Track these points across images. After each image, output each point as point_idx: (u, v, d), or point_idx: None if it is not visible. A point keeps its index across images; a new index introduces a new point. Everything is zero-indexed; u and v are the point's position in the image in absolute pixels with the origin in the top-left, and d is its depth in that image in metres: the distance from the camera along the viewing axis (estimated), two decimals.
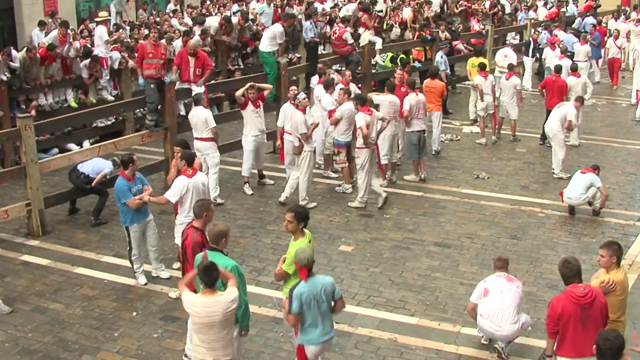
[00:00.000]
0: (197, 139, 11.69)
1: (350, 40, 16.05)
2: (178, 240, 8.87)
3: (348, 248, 10.40)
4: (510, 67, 16.00)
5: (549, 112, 14.95)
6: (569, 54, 18.26)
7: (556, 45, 19.18)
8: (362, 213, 11.65)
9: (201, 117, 11.59)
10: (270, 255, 10.14)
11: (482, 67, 15.82)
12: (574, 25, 23.89)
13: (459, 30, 21.23)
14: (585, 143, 15.34)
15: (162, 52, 12.97)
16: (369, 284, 9.36)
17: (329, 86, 12.97)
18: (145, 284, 9.27)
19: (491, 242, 10.62)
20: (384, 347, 7.92)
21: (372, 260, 10.05)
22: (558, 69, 15.27)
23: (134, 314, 8.64)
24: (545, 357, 6.45)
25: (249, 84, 12.42)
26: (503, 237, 10.86)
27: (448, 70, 17.48)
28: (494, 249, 10.29)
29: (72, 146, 14.07)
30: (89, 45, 14.98)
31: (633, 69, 19.36)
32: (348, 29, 16.54)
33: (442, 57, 17.53)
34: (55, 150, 13.82)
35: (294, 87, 12.58)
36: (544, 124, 15.21)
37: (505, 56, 17.80)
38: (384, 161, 12.57)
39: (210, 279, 6.08)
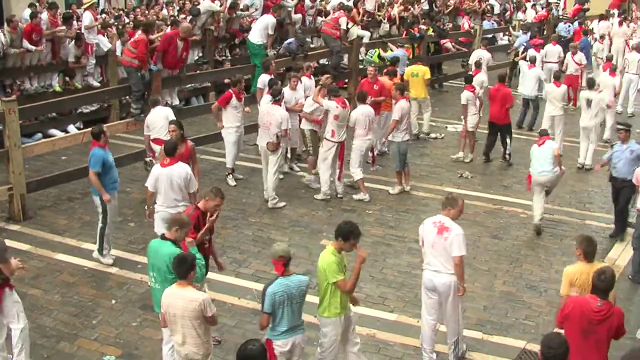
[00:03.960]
0: (155, 141, 10.92)
1: (343, 26, 16.02)
2: (157, 229, 8.85)
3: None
4: (478, 64, 15.94)
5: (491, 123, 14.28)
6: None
7: (540, 47, 19.10)
8: (345, 208, 11.67)
9: (163, 116, 11.09)
10: (251, 247, 10.15)
11: (468, 81, 14.71)
12: (557, 28, 23.45)
13: (447, 28, 21.24)
14: (568, 145, 15.38)
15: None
16: None
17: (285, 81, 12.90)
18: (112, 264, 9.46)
19: (472, 241, 10.57)
20: (362, 343, 7.90)
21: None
22: (502, 78, 14.55)
23: (113, 302, 8.64)
24: (524, 352, 6.48)
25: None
26: (484, 237, 10.92)
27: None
28: (475, 248, 10.35)
29: (55, 131, 14.00)
30: (70, 11, 15.00)
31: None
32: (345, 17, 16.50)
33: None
34: (39, 135, 13.72)
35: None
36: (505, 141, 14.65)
37: (480, 59, 17.53)
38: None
39: (181, 271, 6.11)
